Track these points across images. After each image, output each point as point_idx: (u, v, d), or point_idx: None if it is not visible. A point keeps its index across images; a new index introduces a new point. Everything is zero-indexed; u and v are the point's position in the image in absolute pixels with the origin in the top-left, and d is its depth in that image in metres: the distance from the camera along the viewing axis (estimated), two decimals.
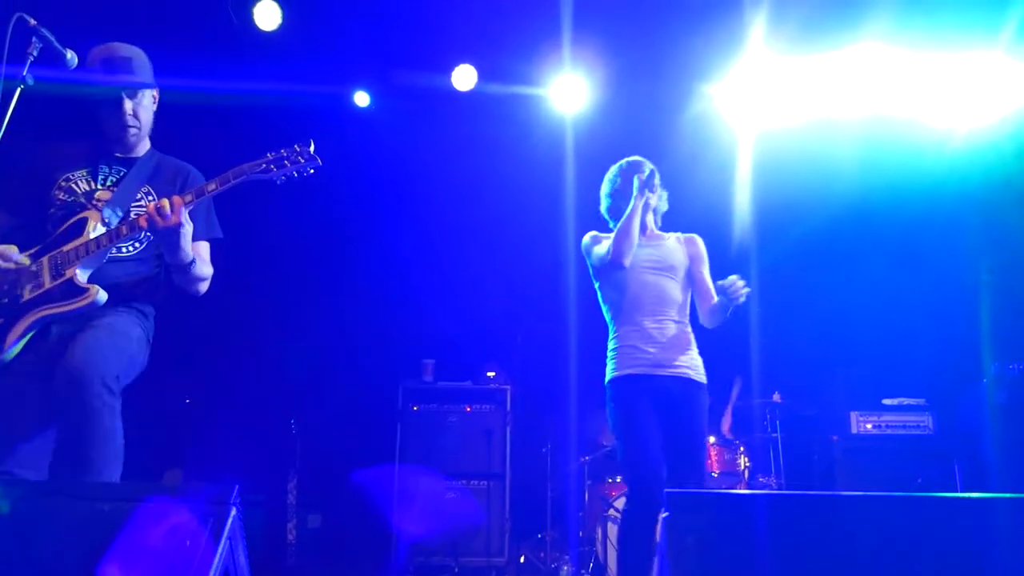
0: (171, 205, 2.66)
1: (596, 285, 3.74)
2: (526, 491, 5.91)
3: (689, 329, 3.56)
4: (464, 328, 6.17)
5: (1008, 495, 2.28)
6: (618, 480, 5.49)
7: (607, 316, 3.66)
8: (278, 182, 2.79)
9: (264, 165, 2.77)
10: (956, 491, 4.64)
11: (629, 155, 5.74)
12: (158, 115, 3.04)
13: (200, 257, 2.88)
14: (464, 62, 5.58)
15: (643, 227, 3.63)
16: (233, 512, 2.01)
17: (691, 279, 3.67)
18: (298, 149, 2.78)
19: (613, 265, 3.52)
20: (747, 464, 5.42)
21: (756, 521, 2.30)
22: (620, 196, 3.68)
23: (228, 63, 5.27)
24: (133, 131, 2.93)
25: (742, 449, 5.44)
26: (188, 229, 2.71)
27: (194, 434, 5.54)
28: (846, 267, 5.79)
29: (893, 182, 5.42)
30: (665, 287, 3.56)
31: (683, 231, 3.79)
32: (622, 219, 3.53)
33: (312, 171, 2.81)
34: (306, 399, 5.90)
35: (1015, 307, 5.03)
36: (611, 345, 3.59)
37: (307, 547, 5.71)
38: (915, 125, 5.36)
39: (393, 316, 6.10)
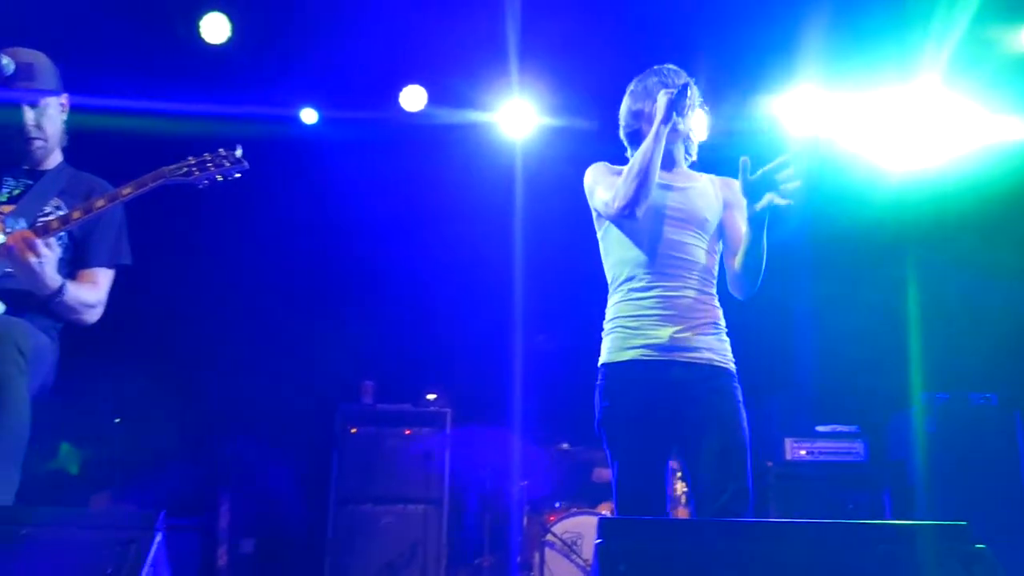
0: (27, 241, 2.48)
1: (598, 234, 2.92)
2: (464, 516, 5.86)
3: (717, 302, 2.80)
4: (405, 350, 6.12)
5: (933, 523, 2.33)
6: (557, 506, 5.48)
7: (608, 275, 2.88)
8: (200, 187, 2.68)
9: (186, 168, 2.64)
10: (885, 518, 4.73)
11: (576, 183, 5.86)
12: (72, 128, 2.87)
13: (85, 284, 2.71)
14: (414, 83, 5.59)
15: (669, 161, 2.82)
16: (158, 538, 1.95)
17: (722, 233, 2.86)
18: (223, 152, 2.67)
19: (620, 215, 2.69)
20: (684, 489, 5.45)
21: (691, 548, 2.31)
22: (642, 116, 2.84)
23: (172, 75, 5.21)
24: (38, 144, 2.75)
25: (679, 474, 5.47)
26: (46, 260, 2.51)
27: (123, 455, 5.37)
28: (781, 294, 5.88)
29: (830, 213, 5.56)
30: (690, 245, 2.75)
31: None
32: (638, 152, 2.70)
33: (239, 175, 2.71)
34: (240, 420, 5.77)
35: (944, 338, 5.17)
36: (609, 315, 2.81)
37: (239, 573, 5.57)
38: (856, 160, 5.51)
39: (332, 336, 6.01)
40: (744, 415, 2.71)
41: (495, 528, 5.87)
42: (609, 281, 2.86)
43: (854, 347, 5.57)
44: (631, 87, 2.94)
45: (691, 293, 2.71)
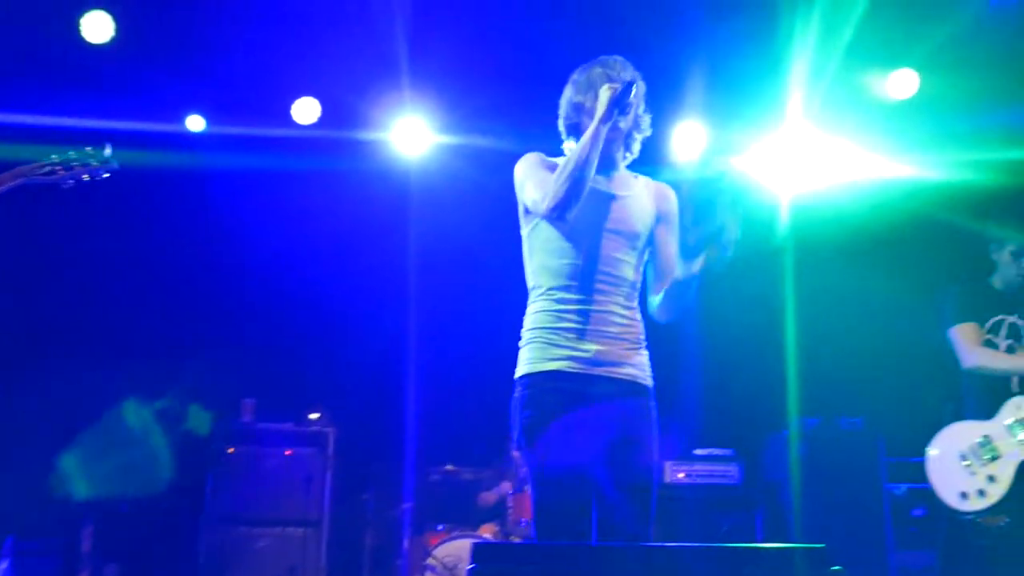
0: None
1: (523, 231, 2.73)
2: (344, 539, 5.73)
3: (639, 316, 2.68)
4: (288, 367, 5.97)
5: (792, 545, 2.39)
6: (439, 528, 5.42)
7: (530, 280, 2.71)
8: (65, 187, 2.53)
9: (48, 167, 2.50)
10: (757, 539, 4.86)
11: (469, 201, 5.88)
12: None
13: None
14: (307, 95, 5.49)
15: (607, 163, 2.64)
16: (3, 565, 1.82)
17: (649, 243, 2.72)
18: (90, 151, 2.54)
19: (549, 216, 2.54)
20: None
21: (566, 573, 2.31)
22: (583, 109, 2.67)
23: (50, 77, 4.97)
24: None
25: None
26: None
27: None
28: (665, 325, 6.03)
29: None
30: (620, 261, 2.62)
31: None
32: (573, 151, 2.54)
33: (107, 175, 2.58)
34: None
35: (816, 366, 5.39)
36: (531, 323, 2.64)
37: None
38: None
39: (211, 352, 5.82)
40: (658, 436, 2.66)
41: (376, 551, 5.76)
42: (531, 286, 2.70)
43: (732, 372, 5.74)
44: (574, 76, 2.75)
45: (617, 308, 2.60)
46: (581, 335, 2.55)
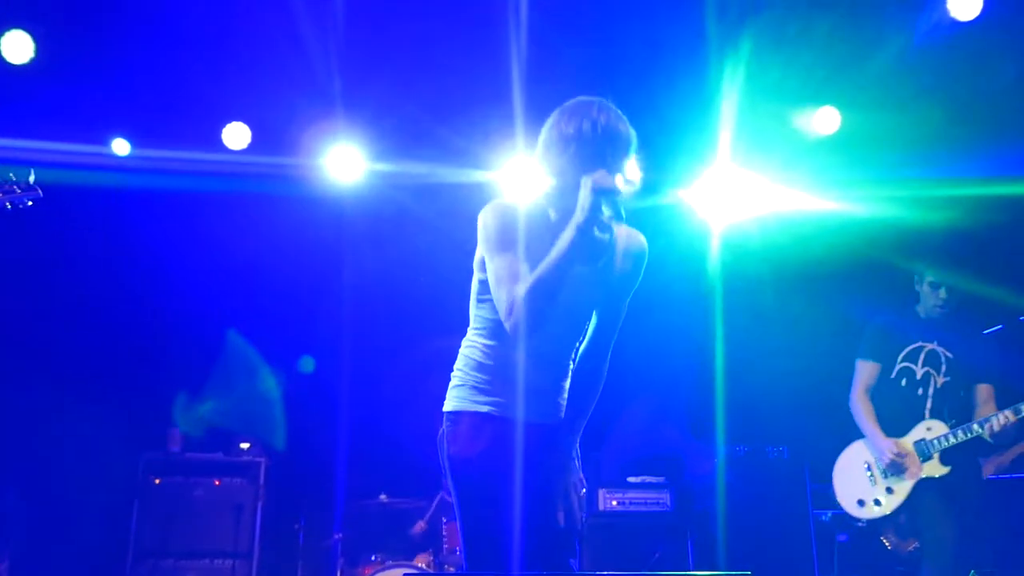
0: None
1: (477, 276, 2.55)
2: (274, 570, 5.62)
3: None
4: (217, 397, 5.86)
5: (721, 573, 2.44)
6: (373, 559, 5.36)
7: (474, 311, 2.57)
8: None
9: None
10: (687, 566, 4.92)
11: (403, 229, 5.90)
12: None
13: None
14: (237, 120, 5.43)
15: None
16: None
17: None
18: (13, 177, 2.49)
19: (513, 333, 2.36)
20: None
21: None
22: (563, 170, 2.45)
23: None
24: None
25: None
26: None
27: None
28: None
29: (649, 271, 5.84)
30: (584, 315, 2.56)
31: None
32: (542, 265, 2.31)
33: (31, 203, 2.52)
34: (28, 466, 5.30)
35: (744, 395, 5.50)
36: (470, 354, 2.56)
37: None
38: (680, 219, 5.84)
39: (136, 382, 5.68)
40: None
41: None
42: (476, 325, 2.57)
43: (665, 399, 5.83)
44: (559, 121, 2.49)
45: (566, 361, 2.59)
46: (530, 376, 2.49)
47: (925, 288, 4.13)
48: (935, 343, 4.05)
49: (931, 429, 3.96)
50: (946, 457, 3.90)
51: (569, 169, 2.42)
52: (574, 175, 2.38)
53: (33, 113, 5.02)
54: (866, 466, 4.07)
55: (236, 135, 5.41)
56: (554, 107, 2.60)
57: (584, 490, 2.63)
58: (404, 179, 5.64)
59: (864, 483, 4.05)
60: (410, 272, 5.95)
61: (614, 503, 5.45)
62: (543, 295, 2.31)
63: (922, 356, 4.04)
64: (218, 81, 5.04)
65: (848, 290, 5.56)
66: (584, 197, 2.29)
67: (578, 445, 2.67)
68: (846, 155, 5.46)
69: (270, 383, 5.84)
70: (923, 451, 3.93)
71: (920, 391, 4.02)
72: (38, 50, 4.78)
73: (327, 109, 5.12)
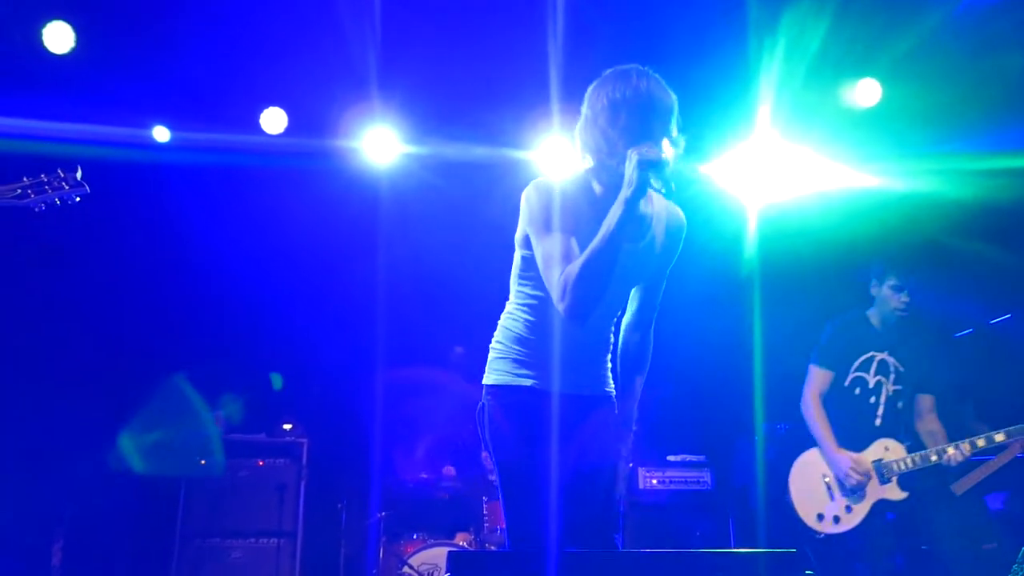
0: None
1: (522, 253, 2.55)
2: (318, 549, 5.70)
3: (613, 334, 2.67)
4: (261, 378, 5.94)
5: (767, 551, 2.44)
6: (415, 537, 5.42)
7: (516, 286, 2.59)
8: (37, 210, 2.53)
9: (19, 190, 2.49)
10: (730, 544, 4.91)
11: (440, 213, 5.91)
12: None
13: None
14: (274, 105, 5.48)
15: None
16: None
17: None
18: (62, 174, 2.53)
19: (567, 317, 2.36)
20: None
21: None
22: (607, 143, 2.41)
23: (12, 87, 4.91)
24: None
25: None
26: None
27: None
28: None
29: (685, 250, 5.82)
30: (627, 291, 2.60)
31: None
32: (593, 244, 2.29)
33: (78, 199, 2.58)
34: (72, 452, 5.43)
35: (782, 372, 5.45)
36: (512, 327, 2.56)
37: None
38: (709, 195, 5.80)
39: (182, 365, 5.77)
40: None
41: (351, 561, 5.74)
42: (519, 300, 2.56)
43: (704, 378, 5.80)
44: (600, 91, 2.46)
45: (607, 334, 2.61)
46: (572, 353, 2.50)
47: (885, 291, 4.08)
48: (886, 352, 4.05)
49: (889, 450, 3.94)
50: (904, 482, 3.89)
51: (613, 142, 2.38)
52: (619, 148, 2.35)
53: (75, 103, 5.10)
54: (824, 478, 4.02)
55: (273, 120, 5.45)
56: (589, 81, 2.60)
57: (631, 464, 2.65)
58: (439, 160, 5.66)
59: (823, 497, 4.00)
60: (446, 253, 5.97)
61: (654, 482, 5.46)
62: (597, 275, 2.28)
63: (874, 365, 4.04)
64: (255, 66, 5.08)
65: (895, 270, 5.48)
66: (631, 170, 2.25)
67: (635, 421, 2.69)
68: (887, 129, 5.37)
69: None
70: (881, 473, 3.91)
71: (872, 399, 4.02)
72: (79, 40, 4.85)
73: (362, 92, 5.14)
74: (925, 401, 4.05)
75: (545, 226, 2.40)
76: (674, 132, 2.48)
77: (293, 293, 6.01)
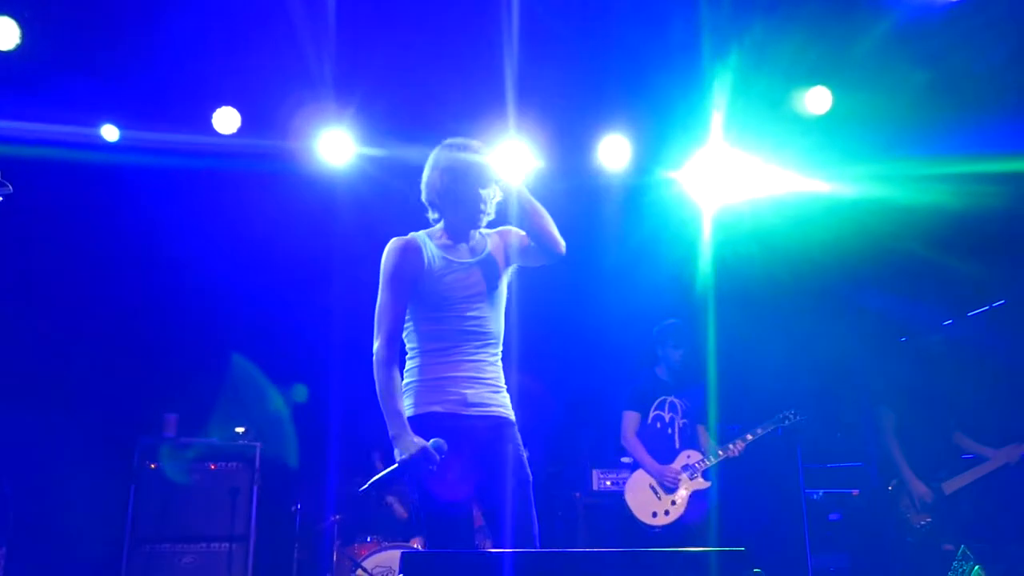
0: None
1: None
2: (271, 553, 5.64)
3: (500, 364, 3.10)
4: (213, 381, 5.86)
5: (716, 549, 2.47)
6: (368, 540, 5.39)
7: (410, 338, 3.05)
8: None
9: None
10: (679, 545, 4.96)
11: (395, 215, 5.84)
12: None
13: None
14: (227, 104, 5.41)
15: (462, 235, 3.09)
16: None
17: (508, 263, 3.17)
18: None
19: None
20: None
21: None
22: (447, 195, 3.08)
23: None
24: None
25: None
26: None
27: None
28: (594, 333, 6.14)
29: (643, 254, 5.91)
30: (483, 318, 3.02)
31: None
32: (382, 393, 2.92)
33: (0, 199, 2.51)
34: (22, 455, 5.31)
35: (736, 374, 5.54)
36: (415, 375, 3.01)
37: None
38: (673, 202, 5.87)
39: (132, 366, 5.67)
40: (524, 452, 3.06)
41: (304, 564, 5.69)
42: (411, 344, 3.06)
43: None
44: (439, 159, 3.13)
45: (484, 357, 3.02)
46: (458, 381, 2.97)
47: (668, 350, 5.27)
48: (672, 396, 5.26)
49: (691, 456, 5.18)
50: (708, 474, 5.13)
51: (459, 199, 3.06)
52: (463, 204, 3.05)
53: (20, 100, 4.99)
54: (651, 487, 5.14)
55: (226, 119, 5.38)
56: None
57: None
58: (395, 161, 5.63)
59: (653, 500, 5.13)
60: None
61: (608, 483, 5.50)
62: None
63: (667, 406, 5.25)
64: (208, 64, 5.01)
65: (841, 272, 5.59)
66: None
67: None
68: (838, 135, 5.47)
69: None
70: (690, 472, 5.12)
71: (670, 431, 5.21)
72: (24, 36, 4.75)
73: (317, 92, 5.10)
74: (700, 430, 5.29)
75: (386, 284, 3.03)
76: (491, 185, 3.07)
77: (247, 295, 5.93)
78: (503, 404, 3.05)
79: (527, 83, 4.86)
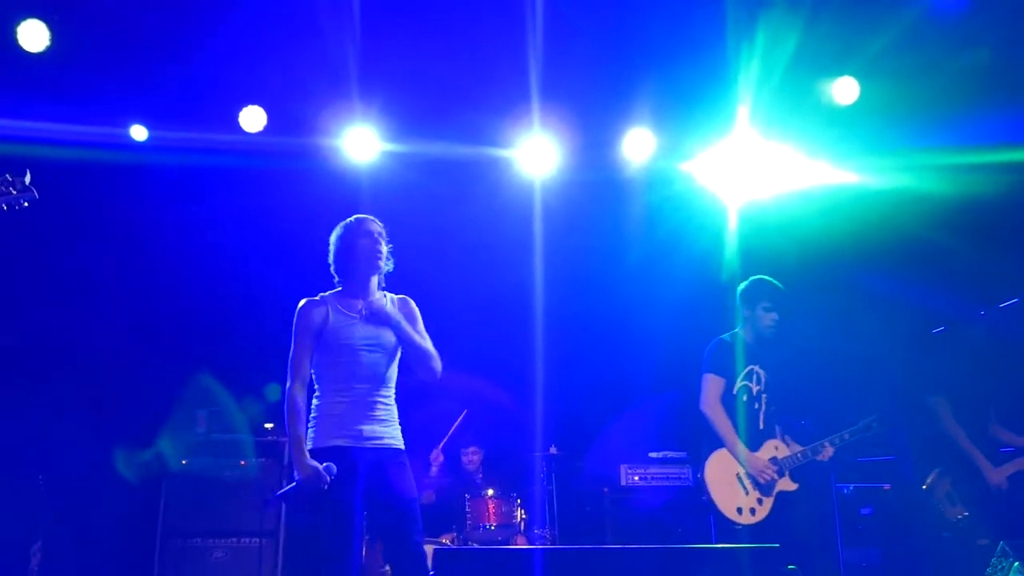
0: None
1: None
2: (301, 548, 5.68)
3: (393, 400, 3.56)
4: (243, 377, 5.90)
5: (750, 546, 2.46)
6: None
7: (317, 378, 3.52)
8: None
9: None
10: (711, 541, 4.92)
11: (420, 211, 5.88)
12: None
13: None
14: (253, 104, 5.45)
15: (364, 290, 3.56)
16: None
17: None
18: (9, 178, 2.47)
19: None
20: (523, 516, 5.51)
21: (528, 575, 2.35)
22: (347, 261, 3.60)
23: None
24: None
25: (519, 501, 5.53)
26: None
27: None
28: (620, 329, 6.12)
29: (666, 246, 5.88)
30: (378, 364, 3.49)
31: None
32: (290, 431, 3.34)
33: (26, 204, 2.51)
34: (56, 452, 5.39)
35: None
36: (316, 403, 3.48)
37: None
38: (694, 194, 5.83)
39: (163, 364, 5.73)
40: (411, 475, 3.45)
41: (334, 559, 5.71)
42: (317, 385, 3.50)
43: (685, 375, 5.82)
44: (344, 239, 3.62)
45: (377, 397, 3.46)
46: (354, 418, 3.39)
47: (759, 312, 4.64)
48: (759, 366, 4.63)
49: (778, 449, 4.55)
50: (795, 474, 4.52)
51: (359, 266, 3.55)
52: (362, 270, 3.55)
53: (50, 102, 5.06)
54: (738, 478, 4.49)
55: (252, 118, 5.42)
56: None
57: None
58: (420, 158, 5.66)
59: (740, 494, 4.47)
60: (426, 251, 5.97)
61: (636, 478, 5.48)
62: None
63: (754, 376, 4.62)
64: (234, 64, 5.05)
65: (869, 264, 5.53)
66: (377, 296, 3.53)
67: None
68: (865, 126, 5.41)
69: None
70: (779, 469, 4.51)
71: (756, 406, 4.59)
72: (54, 38, 4.80)
73: (342, 90, 5.12)
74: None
75: (298, 340, 3.49)
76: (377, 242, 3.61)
77: (274, 292, 5.96)
78: (394, 436, 3.49)
79: (551, 78, 4.86)
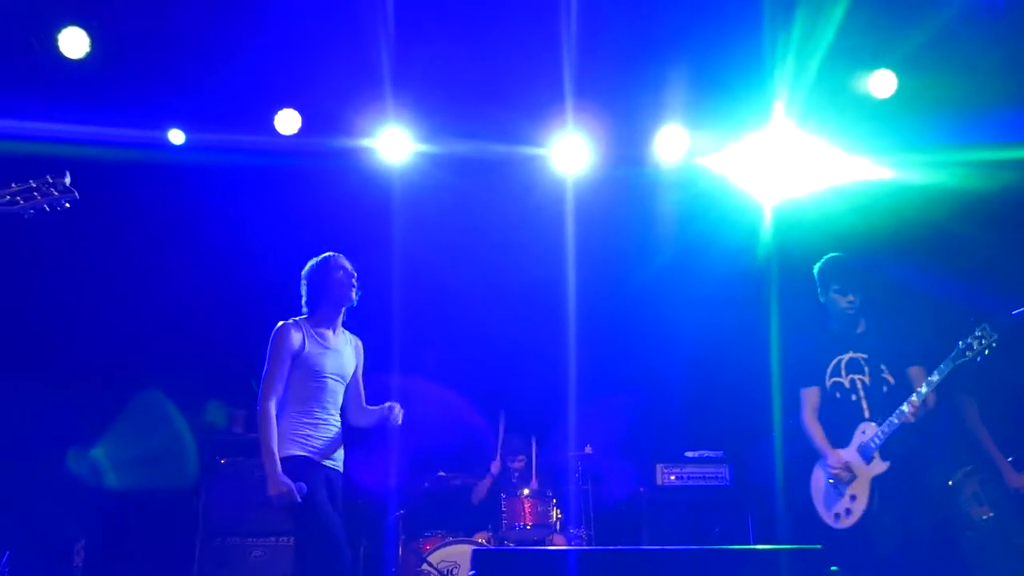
0: None
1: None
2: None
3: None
4: None
5: (790, 547, 2.44)
6: (433, 534, 5.44)
7: (290, 398, 3.84)
8: (26, 216, 2.50)
9: (8, 197, 2.46)
10: (749, 541, 4.91)
11: (453, 211, 5.91)
12: None
13: None
14: (288, 106, 5.50)
15: (332, 322, 3.96)
16: None
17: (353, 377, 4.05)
18: (51, 180, 2.49)
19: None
20: (559, 516, 5.50)
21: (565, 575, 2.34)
22: (320, 295, 3.95)
23: (29, 92, 4.96)
24: None
25: (555, 501, 5.52)
26: None
27: None
28: (654, 328, 6.09)
29: (700, 244, 5.84)
30: (339, 393, 3.95)
31: None
32: (265, 441, 3.70)
33: (68, 205, 2.54)
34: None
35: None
36: (289, 428, 3.79)
37: None
38: (726, 192, 5.79)
39: (201, 364, 5.80)
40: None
41: (370, 559, 5.75)
42: (289, 402, 3.82)
43: (721, 374, 5.79)
44: (318, 271, 3.97)
45: (334, 423, 3.88)
46: (319, 439, 3.79)
47: (833, 296, 4.40)
48: (850, 351, 4.38)
49: (865, 432, 4.28)
50: (885, 453, 4.21)
51: (331, 298, 3.92)
52: (335, 302, 3.92)
53: (90, 106, 5.14)
54: (831, 483, 4.35)
55: (287, 121, 5.48)
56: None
57: None
58: (453, 158, 5.68)
59: (834, 498, 4.33)
60: (460, 251, 5.99)
61: (672, 478, 5.45)
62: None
63: (843, 367, 4.38)
64: (269, 68, 5.10)
65: (908, 262, 5.45)
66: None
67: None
68: (902, 120, 5.34)
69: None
70: (866, 453, 4.24)
71: (854, 397, 4.34)
72: (93, 45, 4.89)
73: (375, 91, 5.16)
74: (914, 373, 4.30)
75: (276, 360, 3.82)
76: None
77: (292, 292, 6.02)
78: (341, 460, 3.93)
79: (585, 75, 4.84)
